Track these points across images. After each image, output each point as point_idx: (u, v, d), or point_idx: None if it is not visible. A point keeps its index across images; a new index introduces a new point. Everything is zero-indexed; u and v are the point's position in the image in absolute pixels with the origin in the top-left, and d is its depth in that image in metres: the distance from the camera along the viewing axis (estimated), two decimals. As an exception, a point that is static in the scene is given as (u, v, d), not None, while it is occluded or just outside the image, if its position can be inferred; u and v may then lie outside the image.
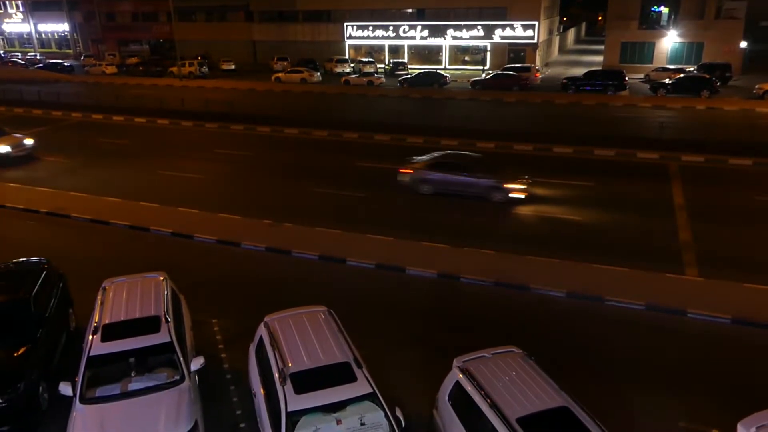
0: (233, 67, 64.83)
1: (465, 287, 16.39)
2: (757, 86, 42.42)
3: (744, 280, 16.11)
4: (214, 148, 31.84)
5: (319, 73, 55.82)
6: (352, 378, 9.69)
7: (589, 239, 19.40)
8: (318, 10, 67.31)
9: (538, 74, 51.76)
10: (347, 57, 63.40)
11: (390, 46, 63.38)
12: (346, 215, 21.74)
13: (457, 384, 9.84)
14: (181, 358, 10.62)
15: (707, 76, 43.86)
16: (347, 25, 63.35)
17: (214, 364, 12.90)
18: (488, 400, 9.05)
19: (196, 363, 10.79)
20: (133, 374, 10.90)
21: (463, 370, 9.93)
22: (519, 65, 51.76)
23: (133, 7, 77.30)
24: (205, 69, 60.63)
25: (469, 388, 9.51)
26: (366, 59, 60.00)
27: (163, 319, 11.16)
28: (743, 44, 53.24)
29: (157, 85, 56.70)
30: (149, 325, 10.98)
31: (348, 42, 64.25)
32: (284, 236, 19.59)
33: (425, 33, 60.49)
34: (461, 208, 22.25)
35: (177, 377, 10.48)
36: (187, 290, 15.47)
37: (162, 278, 12.70)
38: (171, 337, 10.81)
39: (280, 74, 55.95)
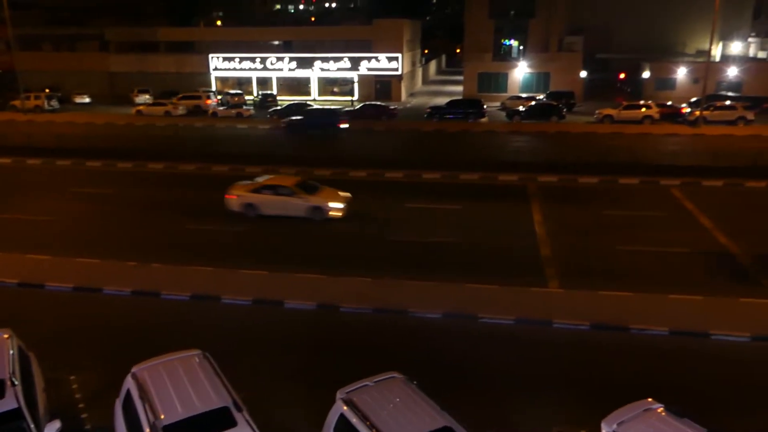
0: (88, 99, 60.56)
1: (345, 316, 16.31)
2: (597, 111, 47.20)
3: (599, 288, 17.58)
4: (69, 186, 29.31)
5: (183, 106, 53.79)
6: (231, 423, 9.20)
7: (460, 260, 20.21)
8: (181, 41, 65.13)
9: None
10: (214, 89, 61.82)
11: (258, 78, 62.77)
12: (219, 251, 20.88)
13: (342, 417, 9.67)
14: (32, 425, 9.45)
15: (555, 103, 48.15)
16: (212, 57, 61.87)
17: (74, 427, 11.62)
18: (374, 431, 8.97)
19: (52, 428, 9.67)
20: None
21: (347, 402, 9.80)
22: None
23: (-35, 35, 69.82)
24: (54, 102, 55.99)
25: (354, 420, 9.38)
26: (234, 91, 58.89)
27: (8, 383, 9.90)
28: (583, 74, 59.19)
29: (-2, 121, 51.36)
30: (-8, 391, 9.69)
31: (214, 74, 62.72)
32: (152, 277, 18.36)
33: (293, 65, 60.72)
34: (334, 237, 22.29)
35: (28, 447, 9.30)
36: (39, 346, 13.89)
37: (6, 336, 11.31)
38: (19, 403, 9.60)
39: (141, 107, 53.19)
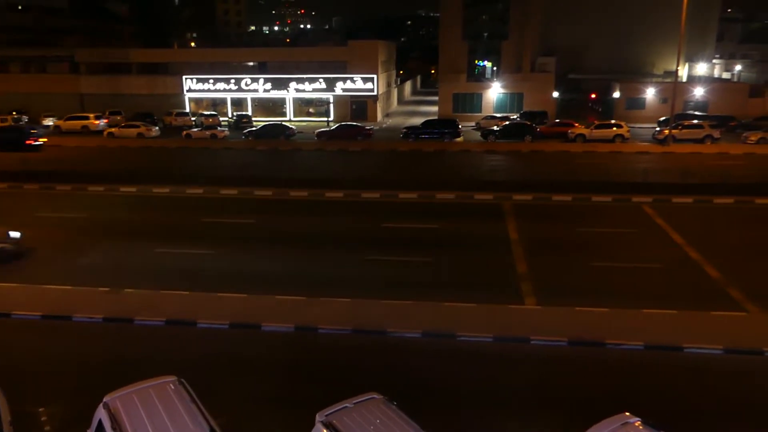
0: (52, 122, 59.40)
1: (323, 338, 16.16)
2: (570, 131, 48.05)
3: (575, 304, 17.73)
4: (35, 211, 28.66)
5: (157, 128, 53.34)
6: (207, 451, 8.97)
7: (438, 278, 20.24)
8: (153, 63, 64.77)
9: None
10: (188, 110, 61.49)
11: (233, 99, 62.66)
12: (194, 274, 20.58)
13: (321, 441, 9.52)
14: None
15: (529, 123, 48.91)
16: (186, 78, 61.63)
17: (43, 459, 11.24)
18: (353, 454, 8.84)
19: (19, 461, 9.31)
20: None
21: (327, 424, 9.66)
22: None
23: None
24: (22, 125, 54.99)
25: (333, 443, 9.24)
26: (208, 112, 58.63)
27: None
28: (555, 94, 60.35)
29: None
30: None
31: (188, 95, 62.42)
32: (125, 303, 17.99)
33: (268, 86, 60.76)
34: (311, 257, 22.18)
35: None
36: (6, 378, 13.45)
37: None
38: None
39: (113, 129, 52.56)
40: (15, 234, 23.32)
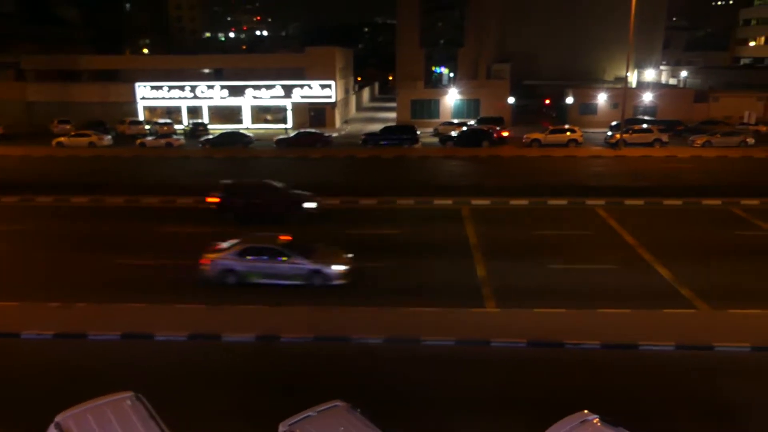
0: (0, 131, 57.28)
1: (286, 346, 16.00)
2: (525, 136, 49.04)
3: (533, 306, 18.05)
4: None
5: (110, 136, 51.93)
6: (167, 467, 8.75)
7: (400, 284, 20.30)
8: (105, 70, 63.12)
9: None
10: (142, 118, 60.12)
11: (188, 107, 61.59)
12: (151, 286, 20.08)
13: (284, 452, 9.41)
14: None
15: (486, 129, 49.66)
16: (139, 86, 60.28)
17: (-9, 483, 10.76)
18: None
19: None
20: None
21: (290, 436, 9.55)
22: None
23: None
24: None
25: (297, 453, 9.15)
26: (163, 120, 57.46)
27: None
28: (511, 100, 61.52)
29: None
30: None
31: (142, 103, 61.06)
32: (78, 318, 17.41)
33: (225, 93, 59.98)
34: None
35: None
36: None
37: None
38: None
39: (62, 138, 50.90)
40: None
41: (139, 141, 50.31)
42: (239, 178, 31.62)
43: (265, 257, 19.86)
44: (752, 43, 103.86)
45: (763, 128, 52.65)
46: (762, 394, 13.74)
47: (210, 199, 27.64)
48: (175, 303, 18.33)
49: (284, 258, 19.75)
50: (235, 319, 17.22)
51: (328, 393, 13.45)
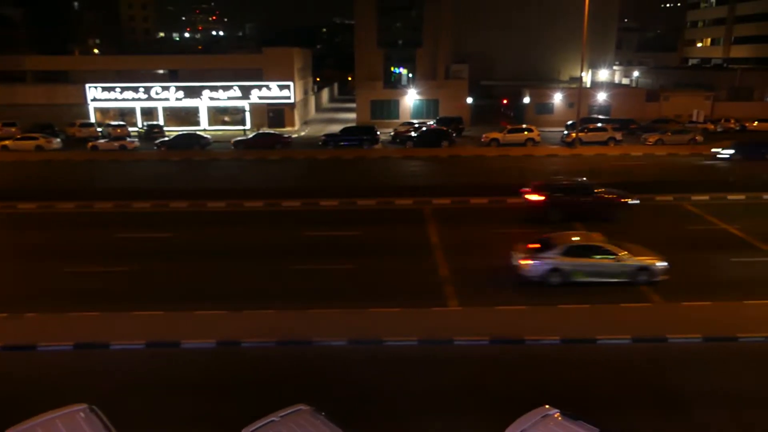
0: None
1: (247, 352, 15.73)
2: (484, 135, 49.61)
3: (495, 303, 18.24)
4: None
5: (59, 139, 50.24)
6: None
7: (363, 285, 20.22)
8: (52, 71, 60.98)
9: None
10: (93, 120, 58.32)
11: (143, 108, 60.09)
12: (107, 293, 19.47)
13: (247, 459, 9.24)
14: None
15: (445, 129, 50.03)
16: (90, 87, 58.44)
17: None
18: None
19: None
20: None
21: (252, 443, 9.37)
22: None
23: None
24: None
25: (259, 460, 8.98)
26: (116, 122, 55.87)
27: None
28: (469, 100, 62.18)
29: None
30: None
31: (93, 104, 59.24)
32: (27, 328, 16.73)
33: (180, 94, 58.75)
34: (231, 270, 21.58)
35: None
36: None
37: None
38: None
39: (7, 142, 48.95)
40: None
41: (90, 144, 48.78)
42: (551, 177, 32.26)
43: (593, 256, 19.73)
44: (699, 44, 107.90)
45: (711, 126, 54.65)
46: (711, 382, 14.22)
47: (531, 197, 27.00)
48: (132, 311, 17.81)
49: (610, 256, 19.65)
50: (194, 326, 16.84)
51: (291, 397, 13.29)
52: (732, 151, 41.00)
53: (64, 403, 10.70)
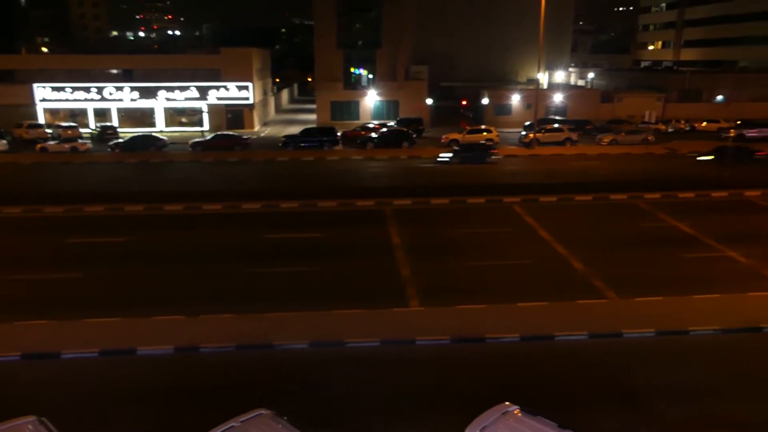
0: None
1: (206, 357, 15.42)
2: (444, 136, 49.98)
3: (456, 303, 18.37)
4: None
5: (5, 141, 48.33)
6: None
7: (324, 287, 20.08)
8: (-2, 70, 58.70)
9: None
10: (42, 122, 56.30)
11: (96, 109, 58.35)
12: (57, 301, 18.79)
13: (206, 467, 9.03)
14: None
15: (405, 130, 50.19)
16: (38, 87, 56.43)
17: None
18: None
19: None
20: None
21: (211, 450, 9.17)
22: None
23: None
24: None
25: (219, 468, 8.79)
26: (67, 124, 54.06)
27: None
28: (429, 101, 62.54)
29: None
30: None
31: (42, 105, 57.22)
32: (-28, 338, 16.01)
33: (135, 95, 57.28)
34: (190, 274, 21.15)
35: None
36: None
37: None
38: None
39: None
40: None
41: (39, 146, 47.11)
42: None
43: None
44: (651, 47, 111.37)
45: (662, 126, 56.40)
46: (664, 375, 14.64)
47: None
48: (85, 318, 17.23)
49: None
50: (151, 332, 16.42)
51: (252, 402, 13.08)
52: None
53: (12, 416, 10.27)
